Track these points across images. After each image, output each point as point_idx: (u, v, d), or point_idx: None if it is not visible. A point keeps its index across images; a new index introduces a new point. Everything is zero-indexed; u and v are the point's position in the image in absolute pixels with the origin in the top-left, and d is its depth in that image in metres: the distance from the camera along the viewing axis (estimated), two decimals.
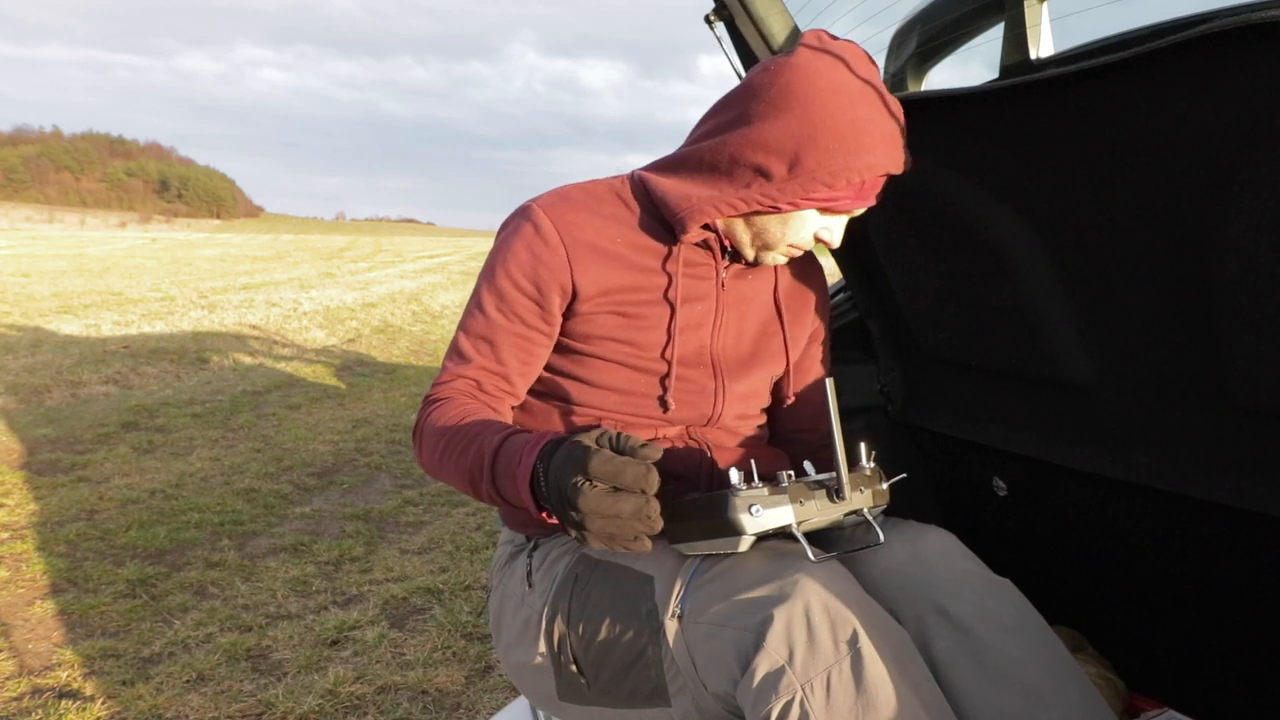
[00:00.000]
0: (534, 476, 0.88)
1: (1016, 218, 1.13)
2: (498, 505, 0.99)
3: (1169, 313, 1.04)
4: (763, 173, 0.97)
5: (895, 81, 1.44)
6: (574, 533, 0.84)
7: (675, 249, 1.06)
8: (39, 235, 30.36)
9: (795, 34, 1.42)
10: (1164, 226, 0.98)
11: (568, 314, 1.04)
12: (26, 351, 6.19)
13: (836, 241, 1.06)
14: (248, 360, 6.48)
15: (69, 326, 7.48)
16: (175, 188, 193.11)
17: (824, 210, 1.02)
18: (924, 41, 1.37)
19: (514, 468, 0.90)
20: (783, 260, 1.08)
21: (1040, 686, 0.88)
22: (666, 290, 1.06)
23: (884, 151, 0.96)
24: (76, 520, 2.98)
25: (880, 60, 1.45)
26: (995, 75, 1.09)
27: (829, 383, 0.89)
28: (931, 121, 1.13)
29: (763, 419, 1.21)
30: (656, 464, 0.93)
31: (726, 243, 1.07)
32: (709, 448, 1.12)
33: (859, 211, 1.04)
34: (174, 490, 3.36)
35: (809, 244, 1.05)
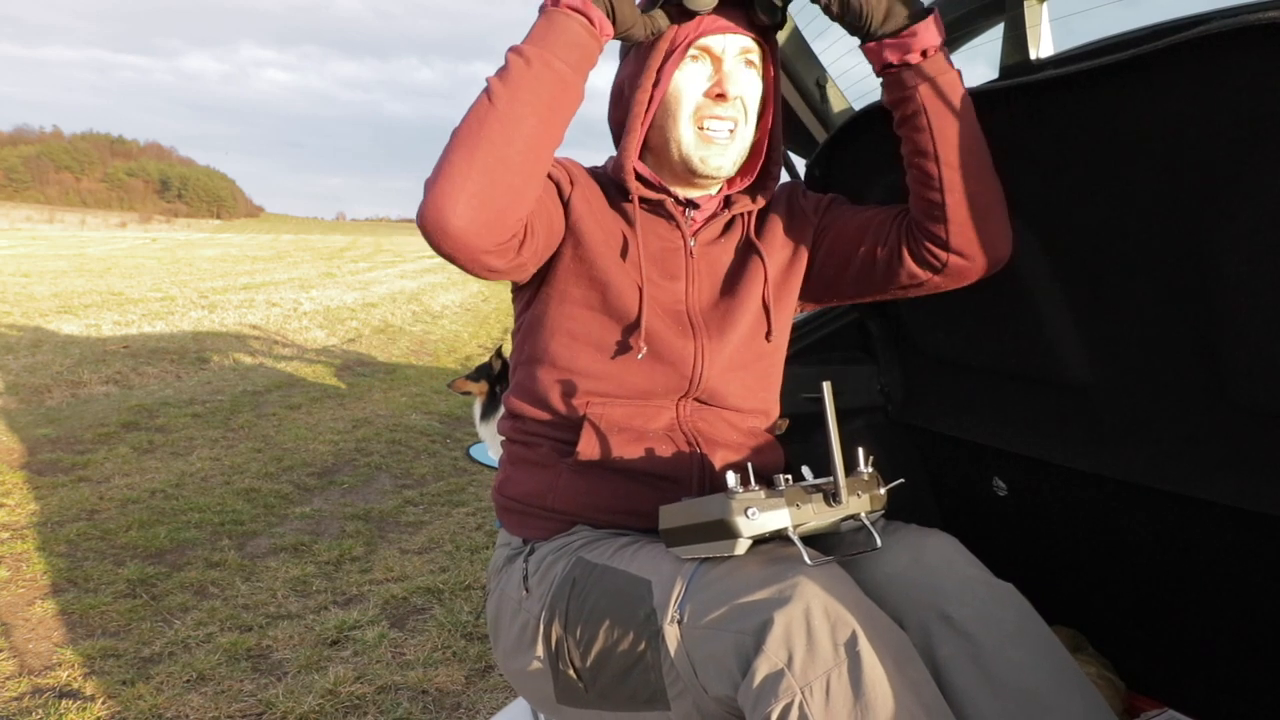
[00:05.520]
0: None
1: (1016, 218, 1.13)
2: (528, 78, 0.94)
3: (1169, 313, 1.04)
4: (622, 89, 1.11)
5: None
6: None
7: (632, 210, 1.11)
8: (39, 235, 30.38)
9: (795, 34, 1.42)
10: (1163, 227, 0.98)
11: (556, 256, 1.10)
12: (26, 351, 6.19)
13: (731, 87, 1.05)
14: (248, 360, 6.48)
15: (69, 326, 7.48)
16: (176, 188, 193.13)
17: (677, 51, 1.04)
18: None
19: None
20: (717, 149, 1.07)
21: (1043, 692, 0.88)
22: (624, 249, 1.11)
23: None
24: (77, 520, 2.98)
25: None
26: (995, 75, 1.09)
27: (826, 386, 0.88)
28: None
29: (754, 407, 1.18)
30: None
31: (681, 198, 1.12)
32: (699, 443, 1.11)
33: (730, 50, 1.06)
34: (174, 490, 3.37)
35: (711, 107, 1.06)
